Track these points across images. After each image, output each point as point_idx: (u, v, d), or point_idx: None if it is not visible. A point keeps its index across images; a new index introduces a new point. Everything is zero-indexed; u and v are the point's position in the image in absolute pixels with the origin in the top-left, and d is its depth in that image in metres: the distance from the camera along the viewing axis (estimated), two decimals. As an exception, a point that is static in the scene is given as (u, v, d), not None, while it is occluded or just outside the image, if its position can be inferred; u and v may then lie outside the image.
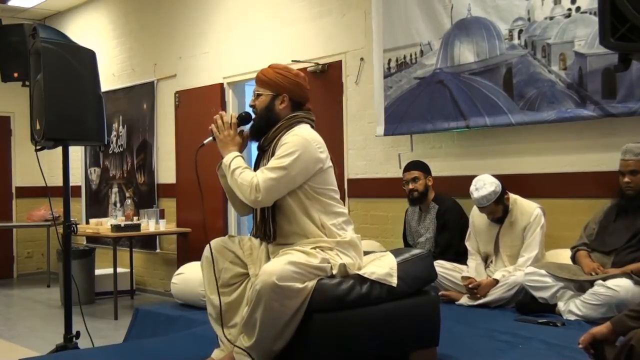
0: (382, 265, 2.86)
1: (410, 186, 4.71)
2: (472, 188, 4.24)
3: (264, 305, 2.58)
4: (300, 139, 2.81)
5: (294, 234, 2.84)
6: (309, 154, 2.80)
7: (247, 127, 3.01)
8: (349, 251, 2.85)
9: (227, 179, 2.87)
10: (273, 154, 2.82)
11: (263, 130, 2.93)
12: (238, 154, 2.88)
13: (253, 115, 2.98)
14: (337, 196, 2.95)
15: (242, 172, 2.79)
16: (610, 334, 2.35)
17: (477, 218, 4.43)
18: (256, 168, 2.94)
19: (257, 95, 2.96)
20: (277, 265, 2.61)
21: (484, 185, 4.19)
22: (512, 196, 4.31)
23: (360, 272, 2.80)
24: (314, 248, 2.77)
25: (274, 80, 2.92)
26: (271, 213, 2.84)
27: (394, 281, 2.81)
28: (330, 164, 2.92)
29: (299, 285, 2.61)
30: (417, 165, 4.78)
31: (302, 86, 2.97)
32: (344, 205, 3.13)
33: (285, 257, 2.68)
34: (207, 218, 6.71)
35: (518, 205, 4.29)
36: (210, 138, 2.95)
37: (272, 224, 2.84)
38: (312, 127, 2.95)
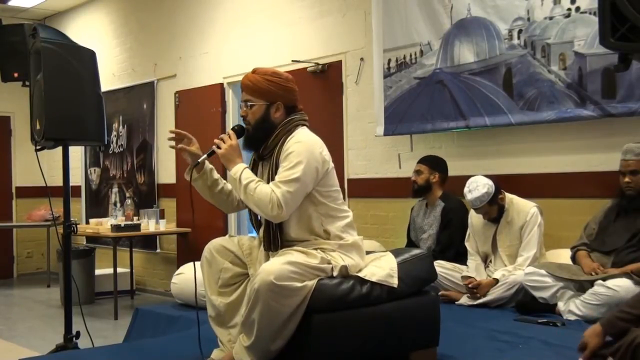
0: (382, 266, 2.86)
1: (413, 178, 4.74)
2: (465, 190, 4.25)
3: (262, 304, 2.58)
4: (304, 145, 2.78)
5: (295, 240, 2.83)
6: (315, 159, 2.78)
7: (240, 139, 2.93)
8: (351, 253, 2.85)
9: (236, 189, 2.82)
10: (276, 163, 2.80)
11: (260, 141, 2.88)
12: (245, 165, 2.83)
13: (245, 126, 2.91)
14: (340, 196, 2.94)
15: (256, 187, 2.72)
16: (603, 338, 2.36)
17: (474, 218, 4.43)
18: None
19: (250, 106, 2.88)
20: (276, 265, 2.61)
21: (477, 187, 4.19)
22: (509, 196, 4.31)
23: (361, 274, 2.80)
24: (316, 249, 2.77)
25: (266, 89, 2.85)
26: (277, 224, 2.80)
27: (394, 282, 2.81)
28: (332, 163, 2.91)
29: (298, 284, 2.60)
30: (426, 160, 4.79)
31: (293, 90, 2.92)
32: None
33: (284, 256, 2.68)
34: (208, 218, 6.74)
35: (514, 204, 4.29)
36: (205, 156, 2.87)
37: (279, 234, 2.80)
38: (307, 127, 2.93)
